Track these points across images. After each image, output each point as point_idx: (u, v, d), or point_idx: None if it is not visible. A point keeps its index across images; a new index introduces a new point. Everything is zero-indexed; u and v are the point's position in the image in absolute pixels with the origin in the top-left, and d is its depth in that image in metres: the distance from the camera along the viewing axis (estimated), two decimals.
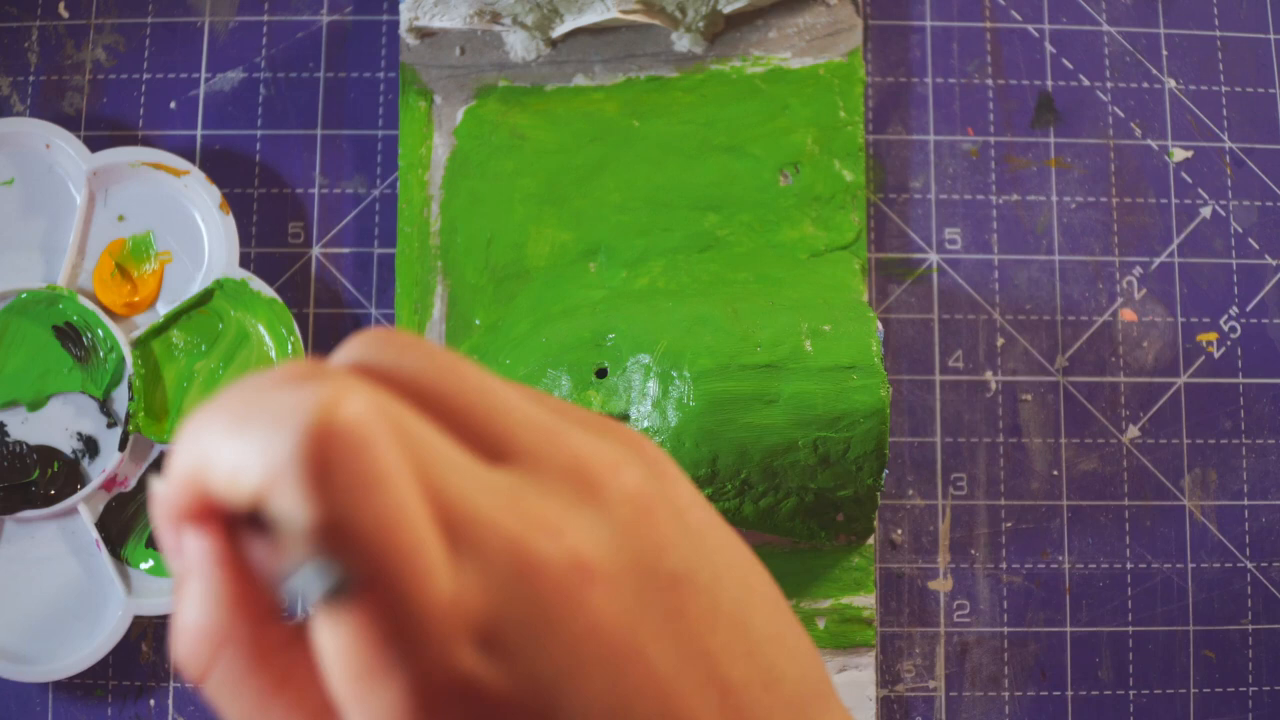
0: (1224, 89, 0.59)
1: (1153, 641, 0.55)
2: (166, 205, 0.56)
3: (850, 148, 0.57)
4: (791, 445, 0.49)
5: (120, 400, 0.55)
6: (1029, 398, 0.56)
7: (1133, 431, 0.56)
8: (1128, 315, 0.57)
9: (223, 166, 0.57)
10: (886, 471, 0.51)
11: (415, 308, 0.56)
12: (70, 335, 0.55)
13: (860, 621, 0.54)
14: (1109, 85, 0.58)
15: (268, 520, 0.23)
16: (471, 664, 0.22)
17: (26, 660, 0.53)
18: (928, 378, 0.56)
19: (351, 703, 0.22)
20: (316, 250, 0.57)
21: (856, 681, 0.53)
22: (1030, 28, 0.59)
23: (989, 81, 0.58)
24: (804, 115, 0.57)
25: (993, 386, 0.56)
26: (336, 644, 0.22)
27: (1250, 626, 0.55)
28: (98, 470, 0.54)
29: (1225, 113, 0.58)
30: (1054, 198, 0.58)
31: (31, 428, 0.55)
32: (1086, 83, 0.58)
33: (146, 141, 0.57)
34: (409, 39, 0.57)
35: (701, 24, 0.57)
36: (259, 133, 0.58)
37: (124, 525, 0.54)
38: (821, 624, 0.54)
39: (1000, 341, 0.57)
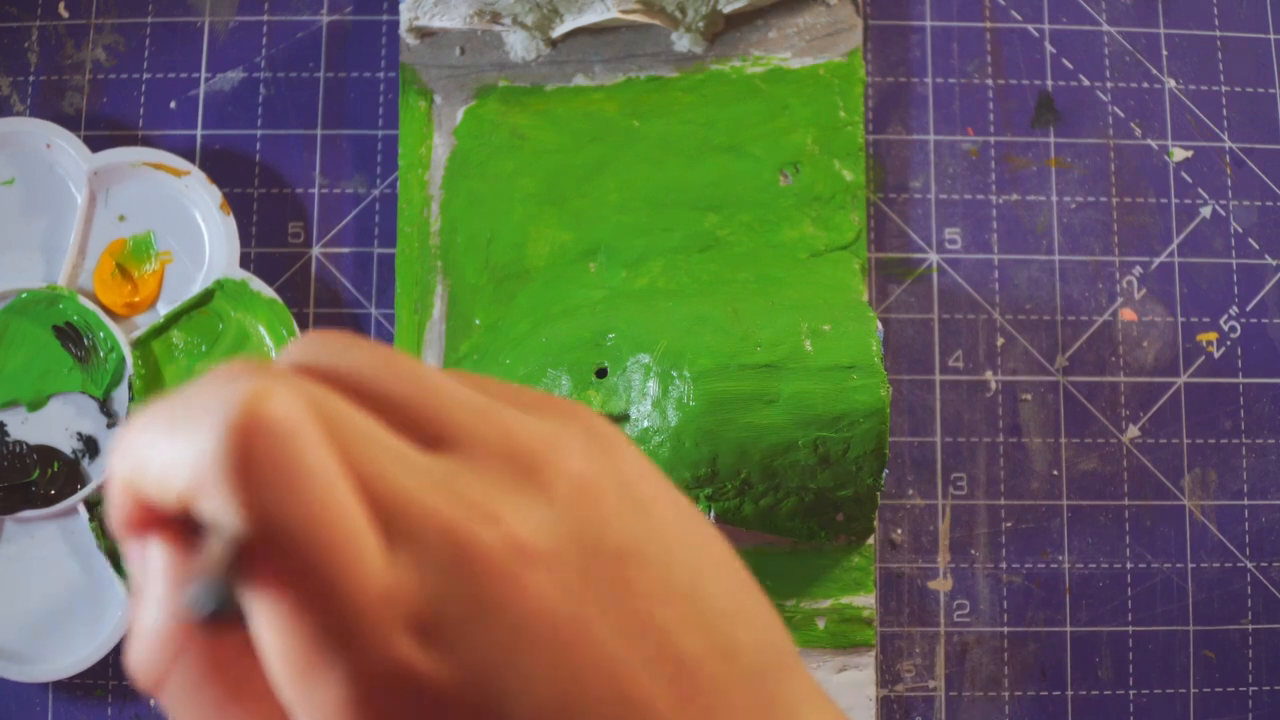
0: (1224, 89, 0.59)
1: (1153, 641, 0.55)
2: (167, 205, 0.56)
3: (850, 148, 0.57)
4: (791, 445, 0.49)
5: (120, 400, 0.55)
6: (1029, 397, 0.56)
7: (1133, 431, 0.56)
8: (1128, 315, 0.57)
9: (223, 166, 0.57)
10: (886, 471, 0.51)
11: (415, 308, 0.56)
12: (70, 335, 0.55)
13: (860, 621, 0.54)
14: (1109, 85, 0.58)
15: (202, 523, 0.23)
16: (410, 654, 0.22)
17: (26, 660, 0.53)
18: (928, 378, 0.56)
19: (296, 702, 0.22)
20: (316, 250, 0.57)
21: (856, 681, 0.53)
22: (1030, 28, 0.59)
23: (989, 81, 0.58)
24: (804, 115, 0.57)
25: (993, 386, 0.56)
26: (274, 642, 0.22)
27: (1250, 626, 0.55)
28: (98, 470, 0.54)
29: (1225, 113, 0.58)
30: (1054, 198, 0.58)
31: (31, 428, 0.55)
32: (1086, 83, 0.58)
33: (146, 141, 0.57)
34: (409, 39, 0.57)
35: (701, 24, 0.57)
36: (259, 133, 0.58)
37: None
38: (821, 624, 0.54)
39: (1000, 341, 0.57)
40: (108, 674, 0.54)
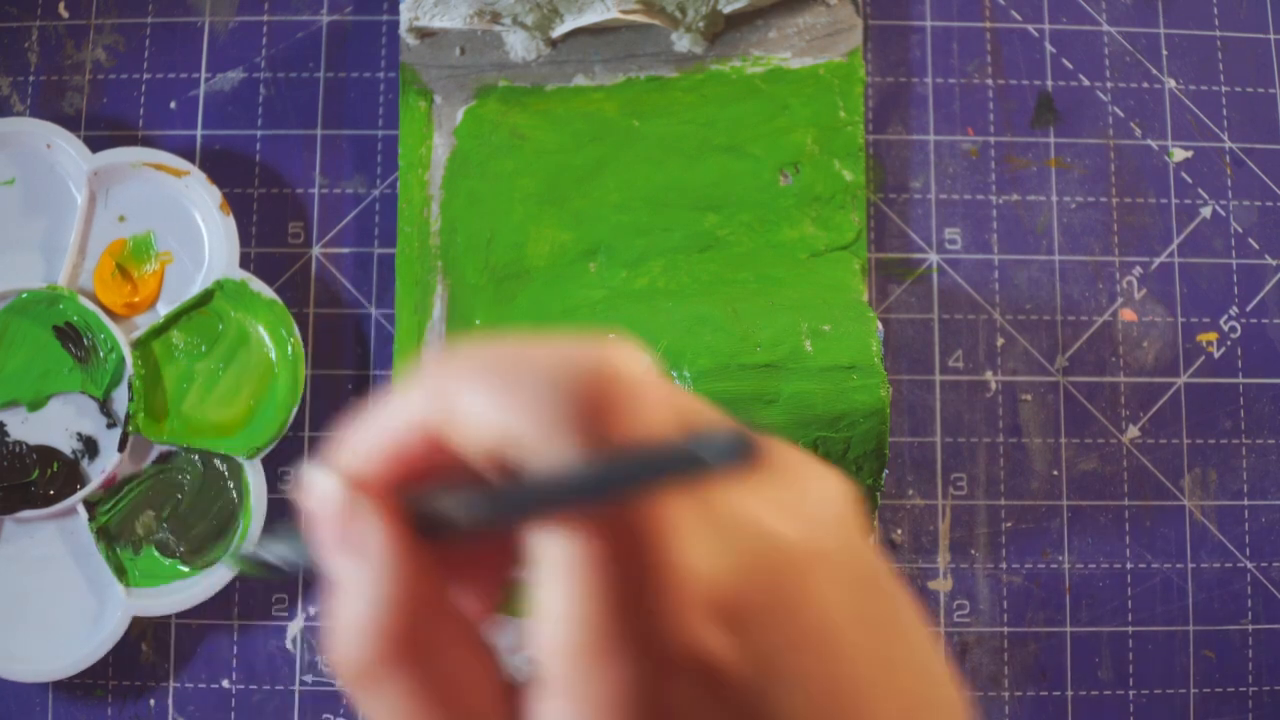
0: (1224, 89, 0.59)
1: (1153, 641, 0.55)
2: (167, 205, 0.56)
3: (850, 148, 0.57)
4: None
5: (120, 400, 0.55)
6: (1029, 398, 0.56)
7: (1133, 431, 0.56)
8: (1128, 315, 0.57)
9: (223, 166, 0.57)
10: (886, 471, 0.51)
11: (415, 308, 0.56)
12: (70, 335, 0.55)
13: None
14: (1109, 85, 0.58)
15: (499, 473, 0.22)
16: (713, 641, 0.22)
17: (26, 660, 0.53)
18: (928, 378, 0.56)
19: (568, 684, 0.21)
20: (316, 250, 0.57)
21: None
22: (1030, 28, 0.59)
23: (989, 81, 0.58)
24: (804, 115, 0.57)
25: (993, 386, 0.56)
26: (566, 610, 0.21)
27: (1250, 626, 0.55)
28: (97, 470, 0.54)
29: (1225, 113, 0.58)
30: (1054, 198, 0.58)
31: (31, 428, 0.55)
32: (1086, 83, 0.58)
33: (146, 141, 0.57)
34: (409, 39, 0.57)
35: (701, 24, 0.57)
36: (259, 133, 0.58)
37: (121, 524, 0.54)
38: None
39: (1000, 341, 0.57)
40: (107, 674, 0.54)
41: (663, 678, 0.21)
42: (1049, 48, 0.59)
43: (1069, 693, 0.54)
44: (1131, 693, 0.54)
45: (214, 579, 0.53)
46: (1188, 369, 0.57)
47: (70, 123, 0.57)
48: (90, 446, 0.55)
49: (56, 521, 0.54)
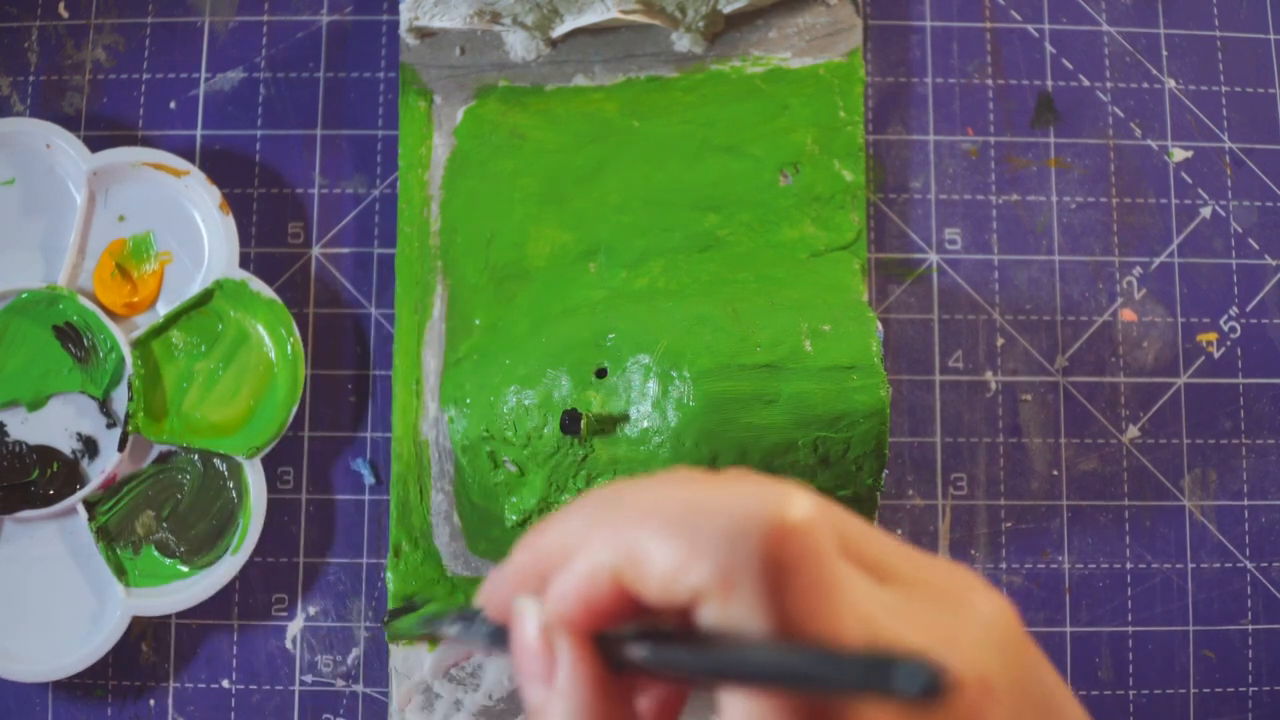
0: (1224, 89, 0.59)
1: (1153, 641, 0.55)
2: (166, 205, 0.56)
3: (850, 148, 0.57)
4: (791, 445, 0.49)
5: (120, 400, 0.55)
6: (1029, 398, 0.56)
7: (1133, 431, 0.56)
8: (1128, 315, 0.57)
9: (223, 166, 0.57)
10: (886, 471, 0.51)
11: (415, 308, 0.56)
12: (70, 335, 0.55)
13: None
14: (1109, 85, 0.58)
15: (682, 622, 0.24)
16: None
17: (26, 660, 0.53)
18: (928, 378, 0.56)
19: None
20: (316, 250, 0.57)
21: None
22: (1030, 28, 0.59)
23: (989, 81, 0.58)
24: (804, 115, 0.57)
25: (993, 386, 0.56)
26: None
27: (1250, 626, 0.55)
28: (97, 470, 0.54)
29: (1225, 113, 0.58)
30: (1054, 198, 0.58)
31: (31, 428, 0.55)
32: (1086, 83, 0.58)
33: (146, 141, 0.57)
34: (409, 39, 0.57)
35: (701, 24, 0.57)
36: (259, 133, 0.58)
37: (121, 524, 0.54)
38: None
39: (1000, 341, 0.57)
40: (107, 674, 0.54)
41: None
42: (1049, 48, 0.59)
43: None
44: (1131, 693, 0.54)
45: (213, 579, 0.53)
46: (1188, 369, 0.57)
47: (70, 123, 0.57)
48: (90, 446, 0.55)
49: (56, 521, 0.54)
